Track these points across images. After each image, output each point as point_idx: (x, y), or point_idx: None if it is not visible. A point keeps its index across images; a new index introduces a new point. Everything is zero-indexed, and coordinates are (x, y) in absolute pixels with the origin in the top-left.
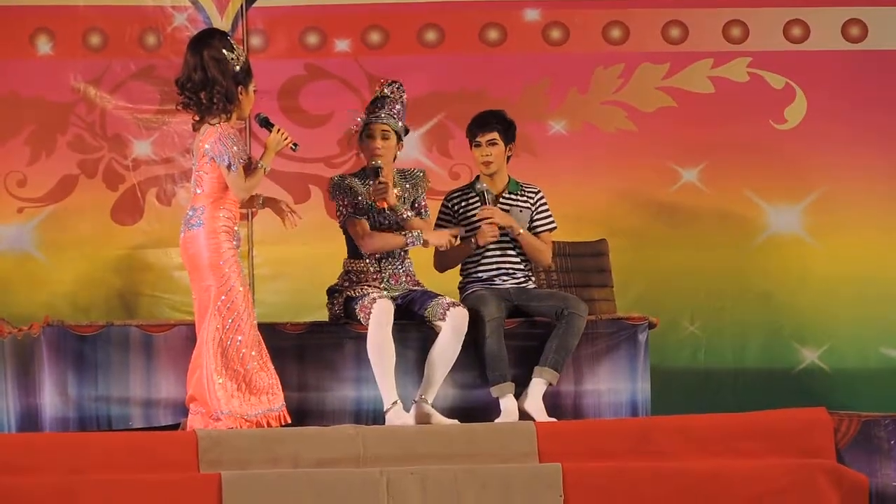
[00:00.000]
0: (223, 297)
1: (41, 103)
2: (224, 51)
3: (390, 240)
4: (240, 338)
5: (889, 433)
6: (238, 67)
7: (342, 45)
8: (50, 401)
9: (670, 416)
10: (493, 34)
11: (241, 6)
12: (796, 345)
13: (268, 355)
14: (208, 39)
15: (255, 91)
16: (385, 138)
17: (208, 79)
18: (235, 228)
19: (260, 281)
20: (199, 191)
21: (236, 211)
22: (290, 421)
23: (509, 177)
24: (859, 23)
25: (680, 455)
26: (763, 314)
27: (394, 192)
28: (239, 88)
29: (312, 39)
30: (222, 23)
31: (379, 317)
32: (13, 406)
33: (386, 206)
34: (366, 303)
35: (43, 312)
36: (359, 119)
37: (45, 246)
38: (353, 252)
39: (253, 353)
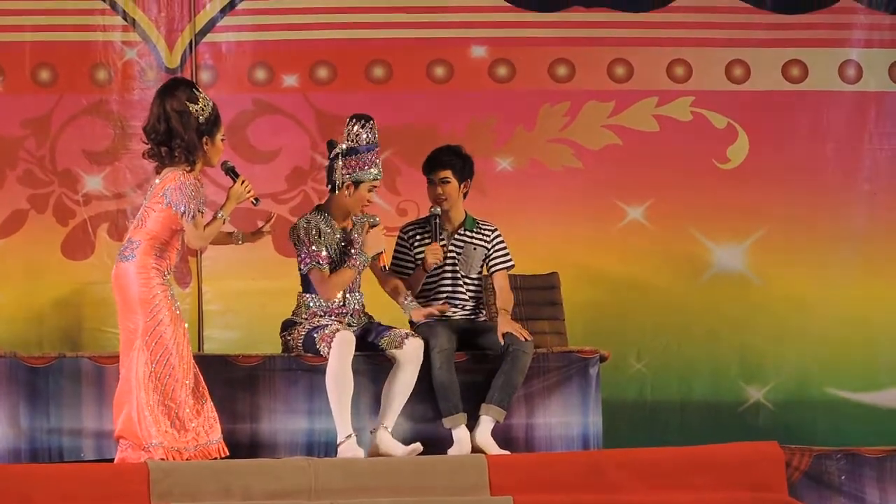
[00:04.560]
0: (151, 332)
1: None
2: (187, 102)
3: (346, 277)
4: (169, 372)
5: (840, 468)
6: (202, 118)
7: (290, 80)
8: (1, 432)
9: (622, 449)
10: (440, 71)
11: (191, 41)
12: (742, 383)
13: (206, 388)
14: (172, 90)
15: (223, 140)
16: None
17: (170, 131)
18: (168, 271)
19: (209, 317)
20: (140, 225)
21: (173, 256)
22: (227, 454)
23: (466, 213)
24: (799, 63)
25: (632, 488)
26: (709, 353)
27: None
28: (204, 139)
29: (261, 75)
30: (171, 57)
31: (340, 348)
32: None
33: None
34: (327, 333)
35: None
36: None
37: None
38: (310, 287)
39: (185, 386)
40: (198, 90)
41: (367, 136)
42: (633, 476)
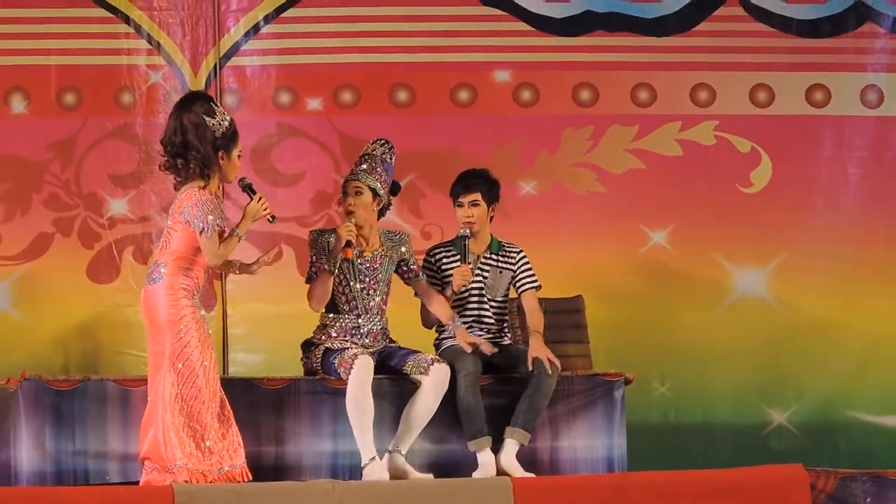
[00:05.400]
0: (178, 354)
1: (15, 161)
2: (204, 116)
3: (318, 286)
4: (195, 394)
5: (866, 490)
6: (219, 133)
7: (314, 103)
8: (27, 455)
9: (647, 472)
10: (463, 95)
11: (215, 65)
12: (765, 407)
13: (231, 412)
14: (189, 104)
15: (239, 156)
16: (357, 194)
17: (186, 143)
18: (197, 291)
19: (234, 340)
20: (165, 247)
21: (200, 274)
22: (251, 478)
23: (492, 236)
24: (823, 88)
25: None
26: (732, 376)
27: (352, 242)
28: (220, 154)
29: (284, 98)
30: (196, 80)
31: (359, 373)
32: None
33: (349, 255)
34: (346, 358)
35: (19, 370)
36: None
37: (20, 304)
38: (330, 307)
39: (211, 409)
40: (215, 104)
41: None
42: (657, 499)
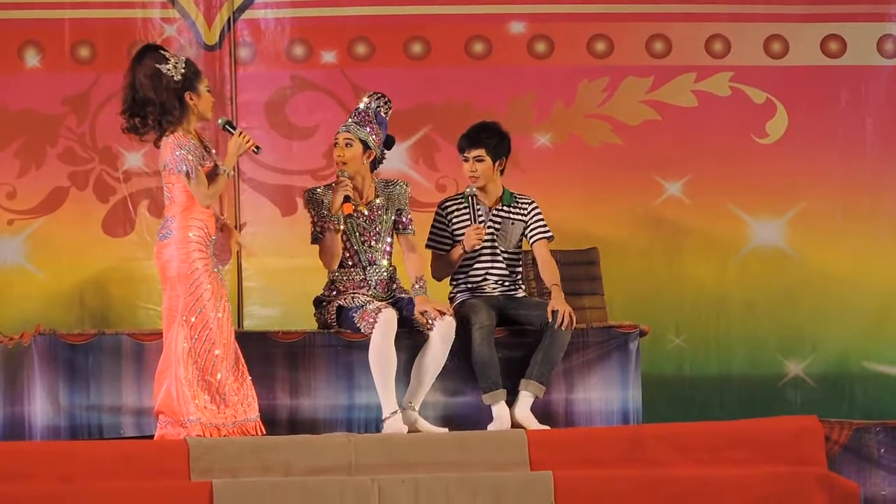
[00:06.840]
0: (191, 307)
1: (30, 116)
2: (157, 66)
3: (328, 244)
4: (209, 348)
5: (880, 441)
6: (177, 77)
7: (328, 56)
8: (41, 409)
9: (662, 423)
10: (478, 47)
11: (229, 18)
12: (780, 358)
13: (245, 367)
14: (140, 58)
15: (209, 90)
16: (347, 146)
17: (139, 100)
18: (209, 242)
19: (248, 294)
20: (170, 203)
21: (210, 221)
22: (265, 432)
23: (504, 188)
24: (838, 38)
25: (671, 463)
26: (747, 327)
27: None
28: (187, 95)
29: (299, 51)
30: (210, 34)
31: (384, 326)
32: None
33: (349, 210)
34: (369, 311)
35: (34, 324)
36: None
37: (35, 257)
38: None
39: (225, 361)
40: (165, 50)
41: None
42: (672, 451)
